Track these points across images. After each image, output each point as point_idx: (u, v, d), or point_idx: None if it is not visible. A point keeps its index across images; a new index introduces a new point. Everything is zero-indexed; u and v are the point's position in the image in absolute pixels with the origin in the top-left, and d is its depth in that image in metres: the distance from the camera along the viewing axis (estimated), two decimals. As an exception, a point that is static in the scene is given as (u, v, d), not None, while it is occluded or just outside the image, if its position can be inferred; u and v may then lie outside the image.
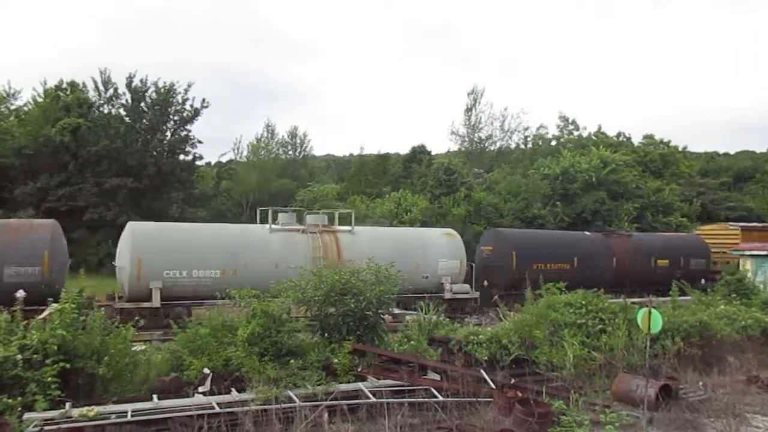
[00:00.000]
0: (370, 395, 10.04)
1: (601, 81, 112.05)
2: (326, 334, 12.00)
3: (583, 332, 13.28)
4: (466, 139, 52.48)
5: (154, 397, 9.36)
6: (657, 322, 10.21)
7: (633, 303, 15.21)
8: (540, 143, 52.18)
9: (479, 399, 10.43)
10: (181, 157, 38.21)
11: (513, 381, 11.27)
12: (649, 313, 10.22)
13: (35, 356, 8.96)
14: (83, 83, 36.27)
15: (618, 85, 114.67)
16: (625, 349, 12.81)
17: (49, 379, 8.74)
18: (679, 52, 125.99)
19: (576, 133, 52.13)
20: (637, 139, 50.90)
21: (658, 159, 47.04)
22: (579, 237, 27.77)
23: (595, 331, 13.33)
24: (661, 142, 50.28)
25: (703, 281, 26.25)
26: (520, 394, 10.24)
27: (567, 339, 12.76)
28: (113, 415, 8.60)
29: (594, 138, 49.44)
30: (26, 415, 8.27)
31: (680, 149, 51.05)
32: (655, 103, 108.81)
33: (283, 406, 9.25)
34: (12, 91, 37.42)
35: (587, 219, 36.97)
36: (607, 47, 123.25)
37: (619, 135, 51.27)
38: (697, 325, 13.91)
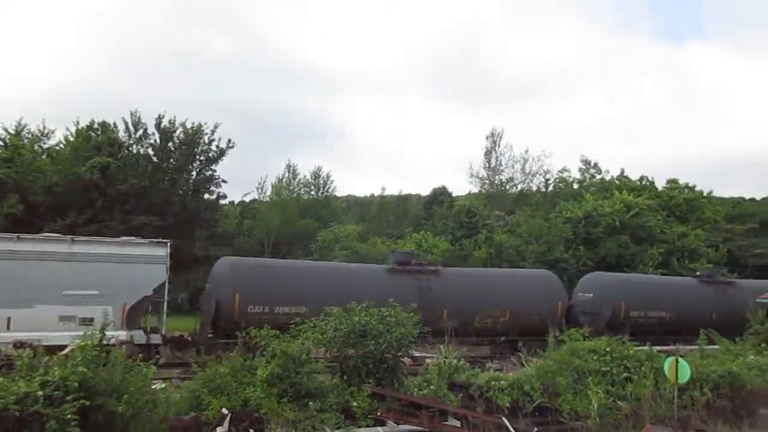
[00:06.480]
0: (390, 441, 9.87)
1: (622, 124, 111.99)
2: (345, 377, 11.89)
3: (607, 380, 12.97)
4: (487, 181, 52.59)
5: (172, 437, 9.30)
6: (684, 372, 9.98)
7: (659, 351, 14.85)
8: (562, 186, 51.96)
9: (501, 447, 10.19)
10: (206, 196, 38.80)
11: (536, 430, 11.01)
12: (677, 362, 10.00)
13: (56, 393, 8.97)
14: (114, 123, 37.30)
15: (640, 128, 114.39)
16: (652, 398, 12.46)
17: (69, 416, 8.72)
18: (703, 95, 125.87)
19: (598, 177, 51.90)
20: (660, 184, 50.48)
21: (683, 204, 46.44)
22: None
23: (620, 380, 13.01)
24: (686, 186, 49.74)
25: None
26: (543, 444, 9.99)
27: (591, 387, 12.46)
28: (131, 455, 8.56)
29: (617, 182, 49.13)
30: (45, 453, 8.25)
31: (705, 194, 50.35)
32: (679, 146, 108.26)
33: (301, 449, 9.14)
34: (46, 131, 38.54)
35: (611, 263, 36.51)
36: (629, 90, 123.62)
37: (642, 179, 50.85)
38: (726, 376, 13.50)
